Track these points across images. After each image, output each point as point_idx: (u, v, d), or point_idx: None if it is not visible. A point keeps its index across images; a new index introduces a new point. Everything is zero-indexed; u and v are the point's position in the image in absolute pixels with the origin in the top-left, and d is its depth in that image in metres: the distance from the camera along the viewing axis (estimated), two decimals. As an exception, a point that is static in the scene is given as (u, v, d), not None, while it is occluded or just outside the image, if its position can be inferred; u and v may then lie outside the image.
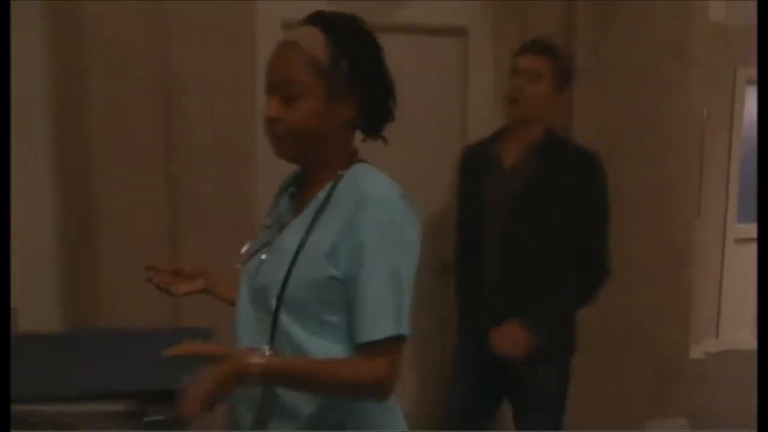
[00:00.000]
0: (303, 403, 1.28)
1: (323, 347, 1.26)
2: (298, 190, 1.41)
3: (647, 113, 3.04)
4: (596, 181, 2.19)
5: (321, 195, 1.31)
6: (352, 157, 1.36)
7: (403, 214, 1.26)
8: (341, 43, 1.27)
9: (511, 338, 2.14)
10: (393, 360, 1.24)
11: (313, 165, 1.35)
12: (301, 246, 1.27)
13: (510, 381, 2.29)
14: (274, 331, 1.27)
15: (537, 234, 2.16)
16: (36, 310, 2.21)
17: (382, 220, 1.24)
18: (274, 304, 1.27)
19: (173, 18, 2.68)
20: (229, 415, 1.39)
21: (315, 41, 1.26)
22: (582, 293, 2.22)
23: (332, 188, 1.31)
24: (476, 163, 2.34)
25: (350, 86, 1.29)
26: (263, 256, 1.35)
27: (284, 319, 1.26)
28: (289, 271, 1.26)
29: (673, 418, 3.33)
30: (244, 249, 1.45)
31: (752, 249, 3.20)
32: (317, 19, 1.30)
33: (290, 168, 1.45)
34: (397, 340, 1.23)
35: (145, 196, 2.66)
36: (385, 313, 1.23)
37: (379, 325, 1.22)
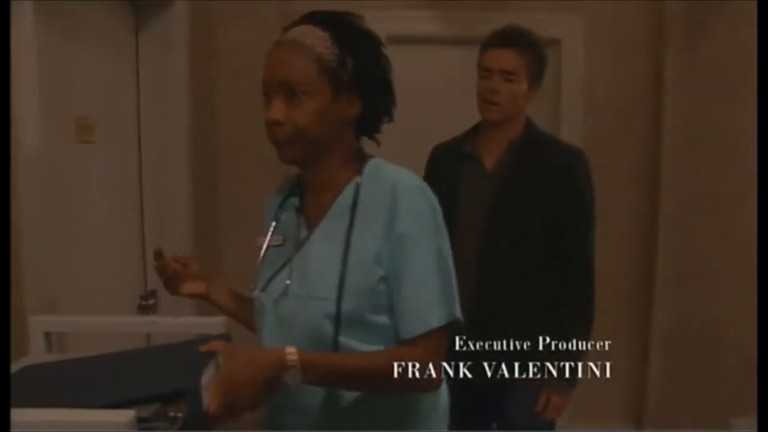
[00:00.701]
0: (361, 410, 1.22)
1: None
2: (303, 201, 1.32)
3: (735, 121, 3.06)
4: (584, 180, 2.02)
5: (346, 198, 1.24)
6: (361, 155, 1.30)
7: (436, 201, 1.23)
8: (344, 41, 1.20)
9: (554, 407, 2.00)
10: (440, 346, 1.19)
11: (322, 169, 1.26)
12: (345, 255, 1.19)
13: (497, 403, 2.09)
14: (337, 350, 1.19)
15: (520, 238, 1.98)
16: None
17: (420, 209, 1.20)
18: (330, 324, 1.18)
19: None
20: (272, 423, 1.31)
21: (318, 39, 1.19)
22: (584, 315, 2.01)
23: (357, 189, 1.24)
24: (451, 163, 2.11)
25: (354, 84, 1.21)
26: (287, 281, 1.24)
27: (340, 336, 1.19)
28: (341, 285, 1.17)
29: (758, 416, 3.35)
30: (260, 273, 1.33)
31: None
32: (316, 18, 1.23)
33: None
34: (446, 327, 1.19)
35: (263, 192, 2.98)
36: (435, 303, 1.17)
37: (431, 316, 1.16)
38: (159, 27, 2.41)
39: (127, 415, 0.90)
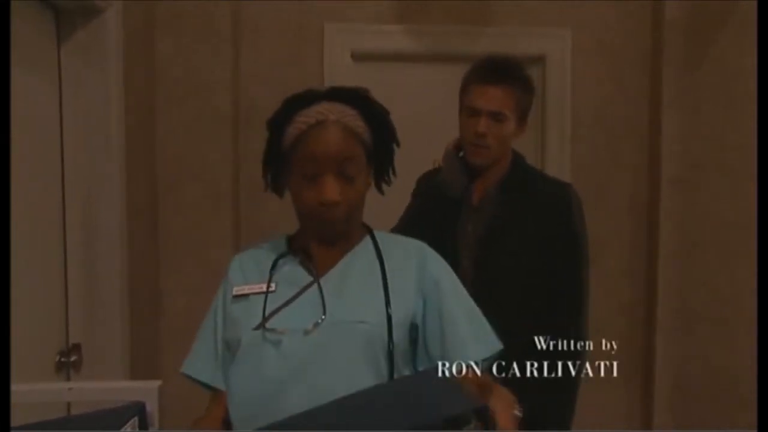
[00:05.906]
0: None
1: None
2: (310, 253, 1.42)
3: (741, 145, 3.01)
4: (578, 217, 2.03)
5: (365, 245, 1.43)
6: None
7: None
8: (370, 118, 1.40)
9: None
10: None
11: (344, 229, 1.41)
12: (388, 298, 1.34)
13: None
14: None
15: (507, 279, 1.99)
16: (101, 343, 2.35)
17: (445, 264, 1.45)
18: (385, 361, 1.30)
19: (243, 54, 2.89)
20: None
21: (355, 119, 1.37)
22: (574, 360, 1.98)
23: (374, 239, 1.45)
24: (437, 199, 2.11)
25: (373, 154, 1.42)
26: (309, 326, 1.31)
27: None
28: (390, 323, 1.31)
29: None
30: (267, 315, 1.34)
31: None
32: (341, 96, 1.39)
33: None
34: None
35: (212, 227, 2.84)
36: (487, 329, 1.39)
37: (488, 341, 1.38)
38: (86, 36, 2.24)
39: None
